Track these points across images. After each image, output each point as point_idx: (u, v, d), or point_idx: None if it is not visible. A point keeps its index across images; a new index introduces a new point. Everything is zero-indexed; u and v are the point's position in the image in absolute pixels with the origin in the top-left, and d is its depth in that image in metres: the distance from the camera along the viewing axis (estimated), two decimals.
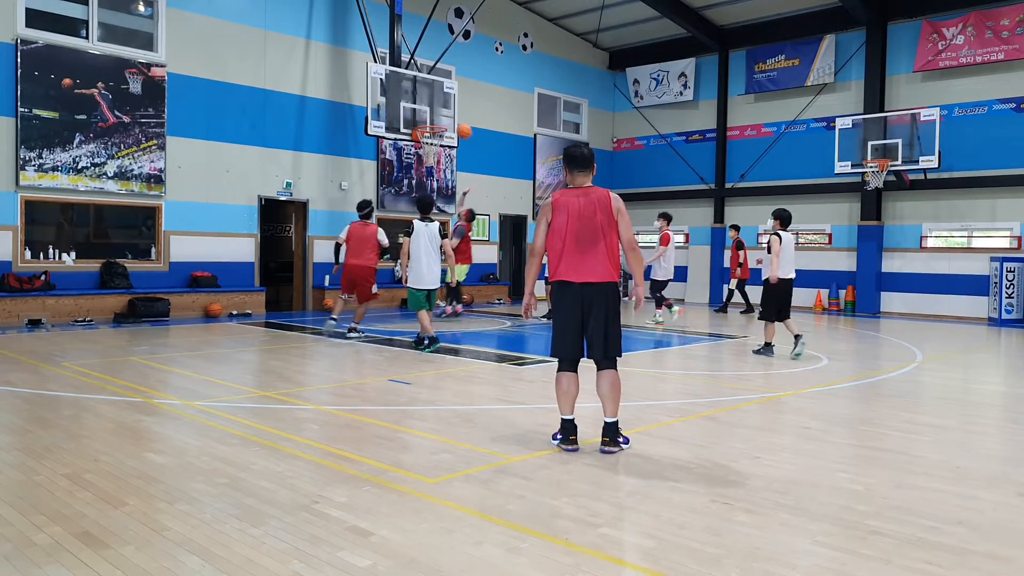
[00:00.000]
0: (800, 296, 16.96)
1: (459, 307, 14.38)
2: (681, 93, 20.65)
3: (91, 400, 6.28)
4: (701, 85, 20.59)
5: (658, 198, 21.38)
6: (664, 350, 10.63)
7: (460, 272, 14.28)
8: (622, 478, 4.34)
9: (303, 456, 4.69)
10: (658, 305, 13.62)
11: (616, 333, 4.93)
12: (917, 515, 3.79)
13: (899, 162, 15.97)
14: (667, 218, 13.71)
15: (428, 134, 14.77)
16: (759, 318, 10.01)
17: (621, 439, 4.94)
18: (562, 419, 4.98)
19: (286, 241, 16.87)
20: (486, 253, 19.23)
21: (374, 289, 11.00)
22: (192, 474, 4.27)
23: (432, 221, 9.84)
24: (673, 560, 3.18)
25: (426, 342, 9.62)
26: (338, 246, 11.10)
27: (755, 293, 19.39)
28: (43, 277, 12.13)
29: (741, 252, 16.61)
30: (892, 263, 17.38)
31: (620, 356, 4.97)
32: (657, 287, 13.55)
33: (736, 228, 17.00)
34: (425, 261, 9.67)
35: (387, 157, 16.93)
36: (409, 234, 9.68)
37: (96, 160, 12.79)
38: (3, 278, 11.81)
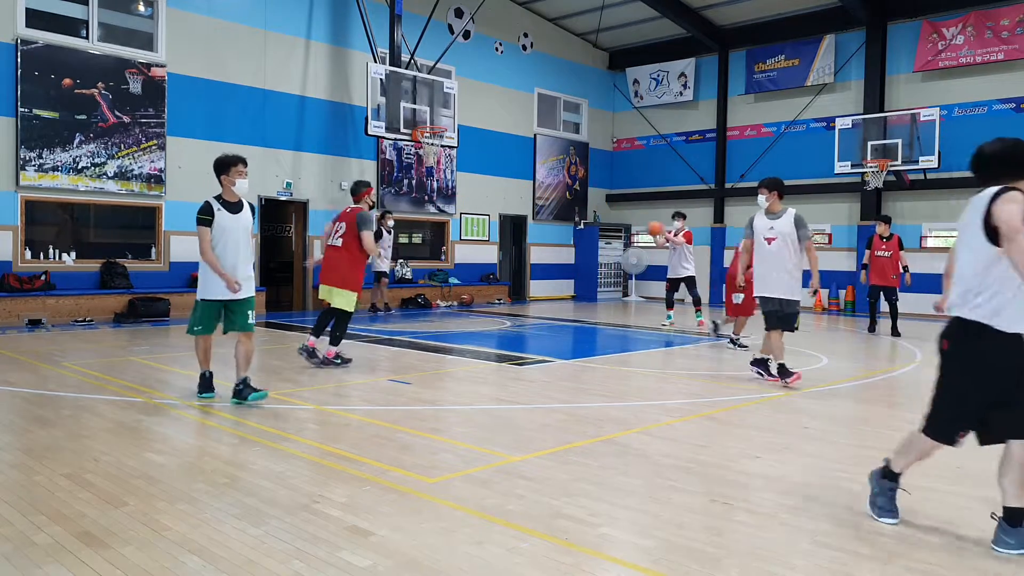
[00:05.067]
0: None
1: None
2: (681, 93, 20.63)
3: (91, 400, 6.27)
4: (701, 85, 20.58)
5: (658, 198, 21.36)
6: (664, 350, 10.62)
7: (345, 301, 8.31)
8: (622, 478, 4.33)
9: (303, 456, 4.69)
10: None
11: None
12: (917, 515, 3.79)
13: (899, 162, 15.96)
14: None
15: (428, 134, 14.76)
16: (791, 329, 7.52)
17: None
18: None
19: (286, 241, 16.86)
20: (486, 253, 19.23)
21: (736, 299, 9.53)
22: (192, 474, 4.27)
23: None
24: (673, 560, 3.18)
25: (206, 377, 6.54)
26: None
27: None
28: (43, 277, 12.13)
29: None
30: None
31: None
32: None
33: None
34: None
35: (387, 157, 16.92)
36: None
37: (96, 160, 12.79)
38: (3, 278, 11.81)
